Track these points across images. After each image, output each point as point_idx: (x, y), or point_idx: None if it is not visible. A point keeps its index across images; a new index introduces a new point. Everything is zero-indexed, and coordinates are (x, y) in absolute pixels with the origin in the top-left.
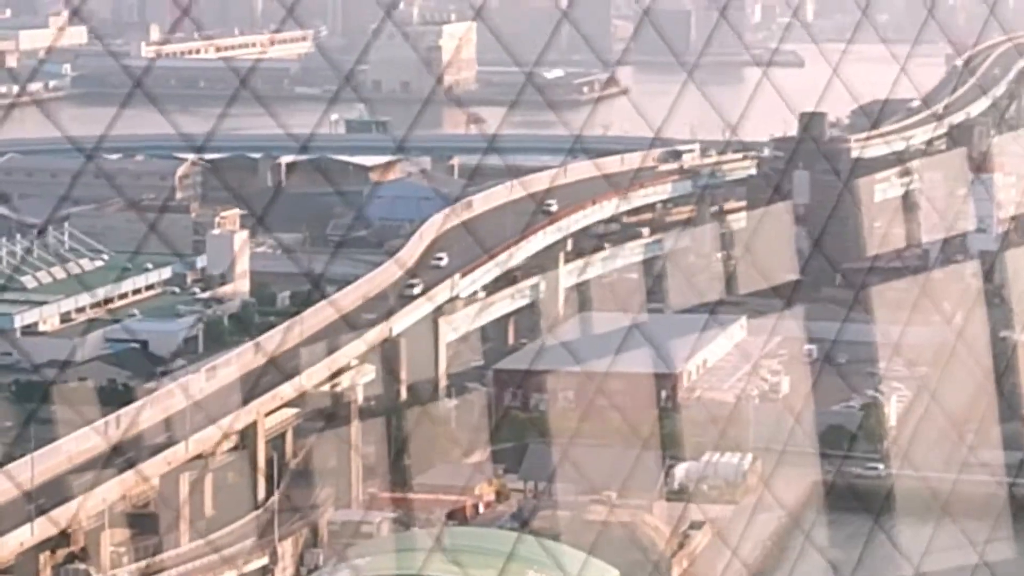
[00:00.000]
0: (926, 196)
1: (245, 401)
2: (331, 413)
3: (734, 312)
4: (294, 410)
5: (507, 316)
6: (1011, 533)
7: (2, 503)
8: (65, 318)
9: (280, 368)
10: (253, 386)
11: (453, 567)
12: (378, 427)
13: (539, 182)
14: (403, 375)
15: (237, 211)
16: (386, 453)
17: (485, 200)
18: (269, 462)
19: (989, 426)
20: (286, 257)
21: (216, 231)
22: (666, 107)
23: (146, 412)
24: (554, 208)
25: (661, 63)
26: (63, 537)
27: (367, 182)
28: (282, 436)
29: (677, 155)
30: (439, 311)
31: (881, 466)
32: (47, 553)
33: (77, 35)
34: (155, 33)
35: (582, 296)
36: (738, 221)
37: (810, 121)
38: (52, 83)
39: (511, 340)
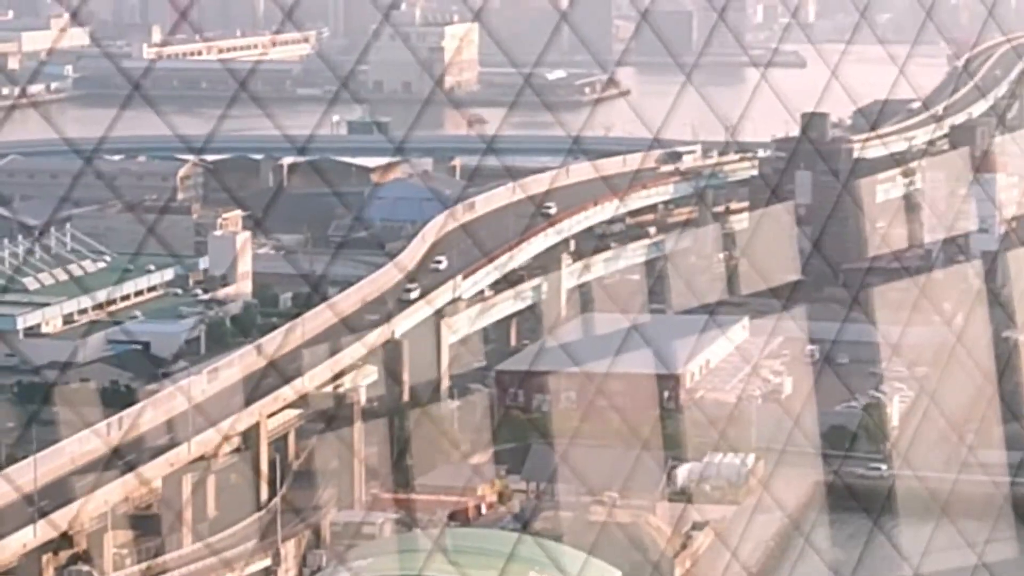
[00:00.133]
0: (928, 196)
1: (247, 403)
2: (333, 414)
3: (736, 313)
4: (296, 411)
5: (509, 317)
6: (1013, 533)
7: (4, 505)
8: (67, 320)
9: (282, 370)
10: (255, 387)
11: (455, 568)
12: (380, 428)
13: (540, 183)
14: (405, 376)
15: (239, 212)
16: (388, 454)
17: (487, 201)
18: (271, 464)
19: (992, 426)
20: (286, 259)
21: (218, 232)
22: (668, 108)
23: (148, 414)
24: (553, 211)
25: (663, 64)
26: (65, 539)
27: (368, 183)
28: (284, 437)
29: (677, 156)
30: (441, 312)
31: (884, 466)
32: (49, 555)
33: (79, 37)
34: (156, 35)
35: (584, 297)
36: (740, 222)
37: (811, 121)
38: (54, 85)
39: (513, 341)
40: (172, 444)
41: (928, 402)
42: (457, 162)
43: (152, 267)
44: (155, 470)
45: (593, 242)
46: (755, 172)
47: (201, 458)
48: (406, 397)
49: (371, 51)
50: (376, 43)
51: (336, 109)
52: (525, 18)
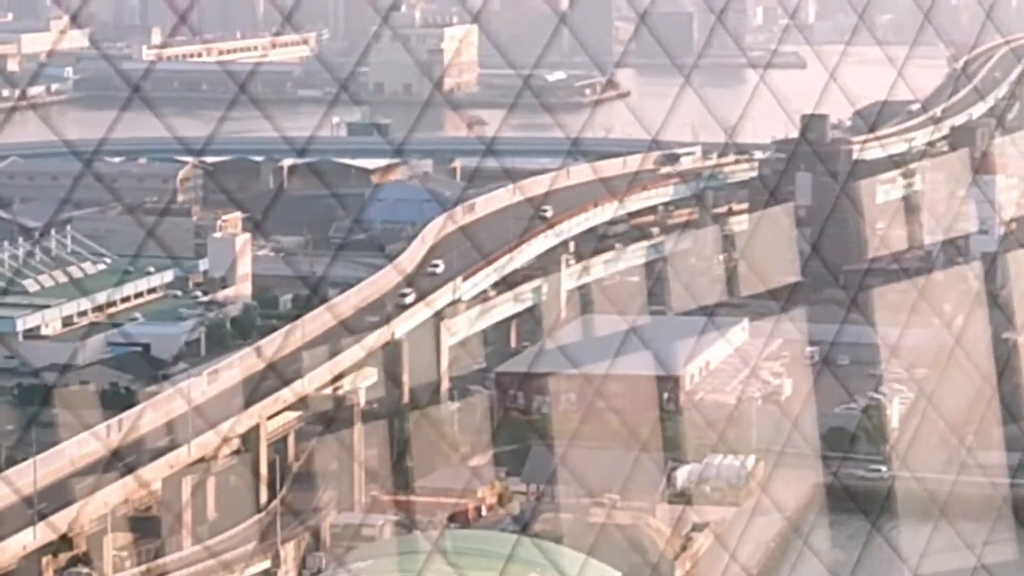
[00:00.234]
0: (927, 198)
1: (247, 405)
2: (333, 416)
3: (736, 314)
4: (296, 413)
5: (509, 319)
6: (1013, 535)
7: (4, 507)
8: (67, 322)
9: (282, 371)
10: (255, 389)
11: (454, 570)
12: (380, 430)
13: (540, 185)
14: (405, 378)
15: (239, 214)
16: (388, 456)
17: (487, 203)
18: (271, 466)
19: (991, 428)
20: (286, 260)
21: (218, 234)
22: (667, 110)
23: (148, 416)
24: (550, 214)
25: (663, 65)
26: (65, 541)
27: (368, 185)
28: (284, 440)
29: (675, 158)
30: (441, 314)
31: (883, 468)
32: (49, 557)
33: (78, 39)
34: (156, 36)
35: (584, 299)
36: (739, 223)
37: (811, 123)
38: (54, 87)
39: (513, 343)
40: (172, 446)
41: (927, 404)
42: (457, 164)
43: (152, 269)
44: (155, 472)
45: (593, 244)
46: (754, 174)
47: (201, 460)
48: (406, 399)
49: (371, 53)
50: (376, 45)
51: (336, 111)
52: (524, 20)
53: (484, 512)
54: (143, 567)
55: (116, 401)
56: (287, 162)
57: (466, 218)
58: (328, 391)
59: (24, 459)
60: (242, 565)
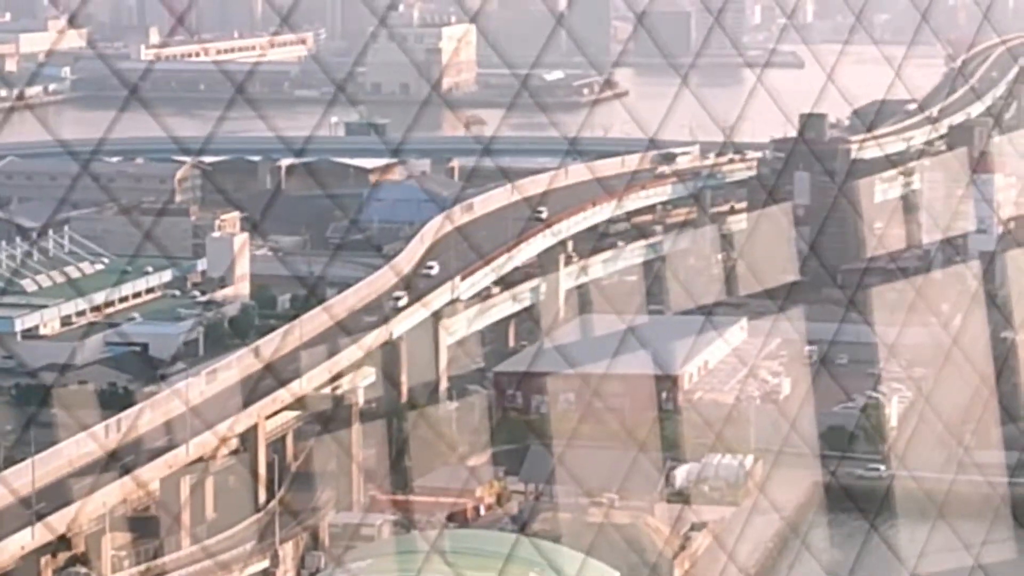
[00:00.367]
0: (926, 197)
1: (245, 404)
2: (331, 416)
3: (734, 314)
4: (294, 413)
5: (507, 318)
6: (1011, 534)
7: (3, 507)
8: (65, 322)
9: (280, 371)
10: (253, 389)
11: (453, 570)
12: (378, 430)
13: (539, 184)
14: (403, 378)
15: (237, 214)
16: (386, 456)
17: (485, 203)
18: (269, 465)
19: (989, 427)
20: (284, 260)
21: (216, 234)
22: (665, 109)
23: (146, 416)
24: (545, 215)
25: (661, 65)
26: (64, 541)
27: (367, 185)
28: (282, 439)
29: (671, 158)
30: (439, 314)
31: (882, 467)
32: (48, 557)
33: (76, 39)
34: (154, 36)
35: (582, 298)
36: (738, 223)
37: (809, 122)
38: (51, 87)
39: (511, 342)
40: (170, 446)
41: (926, 403)
42: (455, 163)
43: (150, 269)
44: (153, 472)
45: (591, 243)
46: (753, 173)
47: (199, 460)
48: (404, 399)
49: (369, 53)
50: (374, 45)
51: (334, 111)
52: (522, 19)
53: (482, 512)
54: (141, 567)
55: (114, 401)
56: (285, 162)
57: (464, 218)
58: (326, 391)
59: (22, 459)
60: (240, 565)
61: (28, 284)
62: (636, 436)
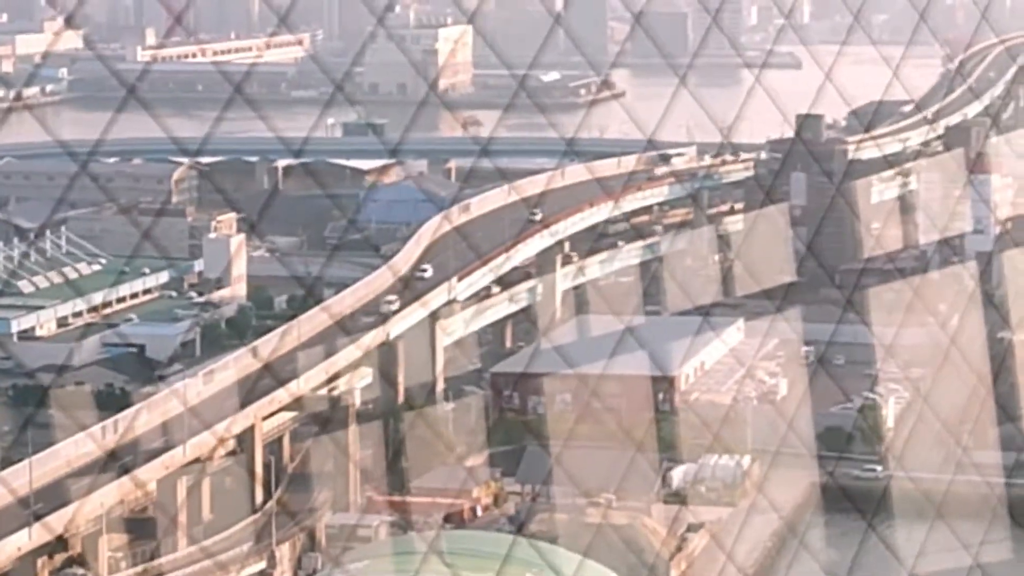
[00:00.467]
0: (923, 198)
1: (242, 405)
2: (328, 417)
3: (731, 314)
4: (291, 414)
5: (504, 319)
6: (1009, 534)
7: (0, 508)
8: (62, 323)
9: (277, 372)
10: (250, 390)
11: (451, 570)
12: (375, 431)
13: (535, 185)
14: (400, 378)
15: (234, 215)
16: (383, 456)
17: (482, 203)
18: (266, 466)
19: (986, 427)
20: (282, 261)
21: (213, 235)
22: (662, 110)
23: (143, 417)
24: (539, 217)
25: (658, 66)
26: (61, 542)
27: (364, 185)
28: (279, 440)
29: (666, 159)
30: (436, 315)
31: (879, 468)
32: (45, 558)
33: (73, 39)
34: (151, 37)
35: (579, 299)
36: (735, 223)
37: (806, 123)
38: (48, 87)
39: (508, 343)
40: (167, 447)
41: (923, 403)
42: (452, 164)
43: (147, 270)
44: (150, 473)
45: (588, 244)
46: (750, 173)
47: (196, 461)
48: (401, 399)
49: (366, 53)
50: (371, 45)
51: (331, 111)
52: (519, 20)
53: (480, 512)
54: (138, 568)
55: (111, 402)
56: (282, 163)
57: (461, 218)
58: (323, 392)
59: (19, 460)
60: (237, 566)
61: (25, 285)
62: (633, 437)
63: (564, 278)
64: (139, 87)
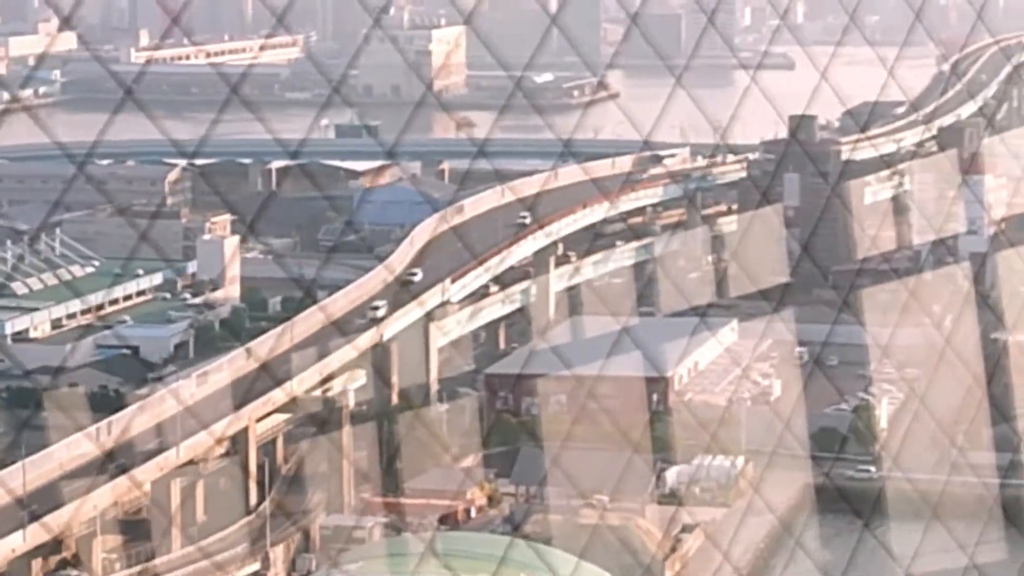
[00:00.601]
0: (917, 198)
1: (236, 407)
2: (322, 418)
3: (725, 315)
4: (285, 415)
5: (498, 320)
6: (1003, 535)
7: None
8: (56, 324)
9: (271, 374)
10: (244, 392)
11: (445, 572)
12: (369, 432)
13: (529, 186)
14: (394, 380)
15: (228, 216)
16: (378, 458)
17: (476, 205)
18: (260, 468)
19: (981, 428)
20: (276, 262)
21: (207, 237)
22: (657, 111)
23: (137, 418)
24: (528, 220)
25: (652, 66)
26: (55, 543)
27: (357, 187)
28: (273, 442)
29: (658, 160)
30: (430, 316)
31: (873, 468)
32: (39, 560)
33: (67, 41)
34: (145, 39)
35: (573, 300)
36: (729, 224)
37: (800, 124)
38: (42, 89)
39: (502, 344)
40: (161, 448)
41: (917, 404)
42: (446, 165)
43: (141, 271)
44: (144, 474)
45: (582, 245)
46: (744, 174)
47: (190, 462)
48: (395, 400)
49: (360, 55)
50: (365, 47)
51: (324, 113)
52: (512, 21)
53: (474, 514)
54: (133, 569)
55: (105, 404)
56: (276, 164)
57: (455, 220)
58: (317, 393)
59: (14, 462)
60: (232, 567)
61: (19, 287)
62: (627, 438)
63: (558, 279)
64: (133, 89)
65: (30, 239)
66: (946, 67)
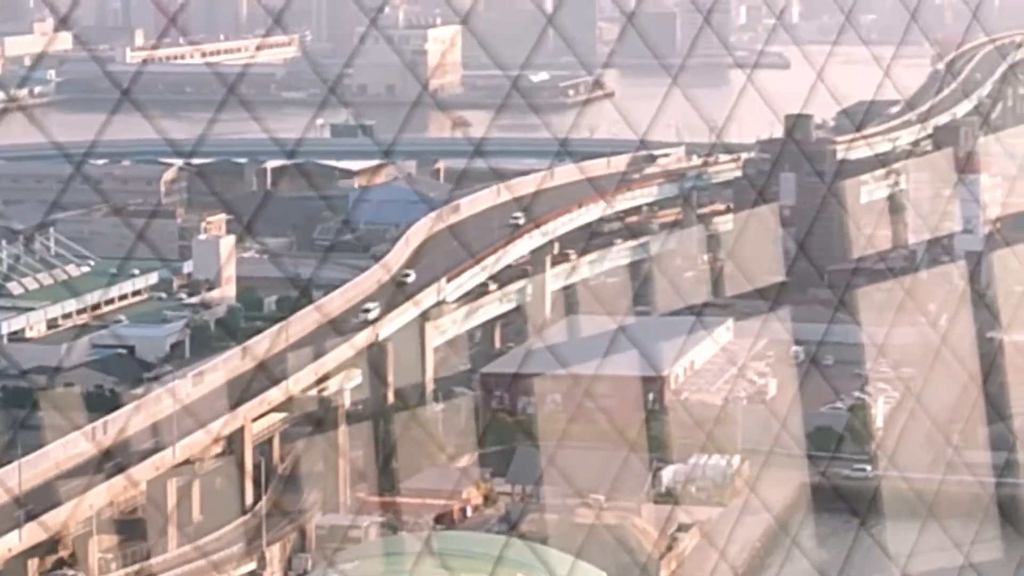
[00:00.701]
0: (912, 197)
1: (232, 406)
2: (318, 418)
3: (721, 314)
4: (281, 415)
5: (494, 320)
6: (999, 533)
7: None
8: (52, 324)
9: (267, 373)
10: (240, 391)
11: (441, 571)
12: (365, 431)
13: (525, 185)
14: (390, 379)
15: (223, 216)
16: (374, 457)
17: (471, 204)
18: (256, 467)
19: (977, 427)
20: (272, 262)
21: (202, 236)
22: (652, 110)
23: (133, 418)
24: (522, 221)
25: (647, 66)
26: (51, 543)
27: (353, 186)
28: (269, 441)
29: (652, 159)
30: (426, 315)
31: (869, 467)
32: (36, 559)
33: (62, 41)
34: (140, 39)
35: (569, 299)
36: (724, 224)
37: (796, 123)
38: (38, 89)
39: (498, 344)
40: (157, 448)
41: (913, 403)
42: (441, 165)
43: (137, 271)
44: (140, 474)
45: (578, 244)
46: (739, 174)
47: (186, 462)
48: (391, 400)
49: (356, 54)
50: (361, 46)
51: (320, 112)
52: (508, 20)
53: (470, 513)
54: (129, 569)
55: (101, 403)
56: (272, 164)
57: (450, 219)
58: (313, 392)
59: (10, 461)
60: (228, 567)
61: (15, 287)
62: (623, 437)
63: (554, 278)
64: (129, 89)
65: (26, 239)
66: (941, 66)
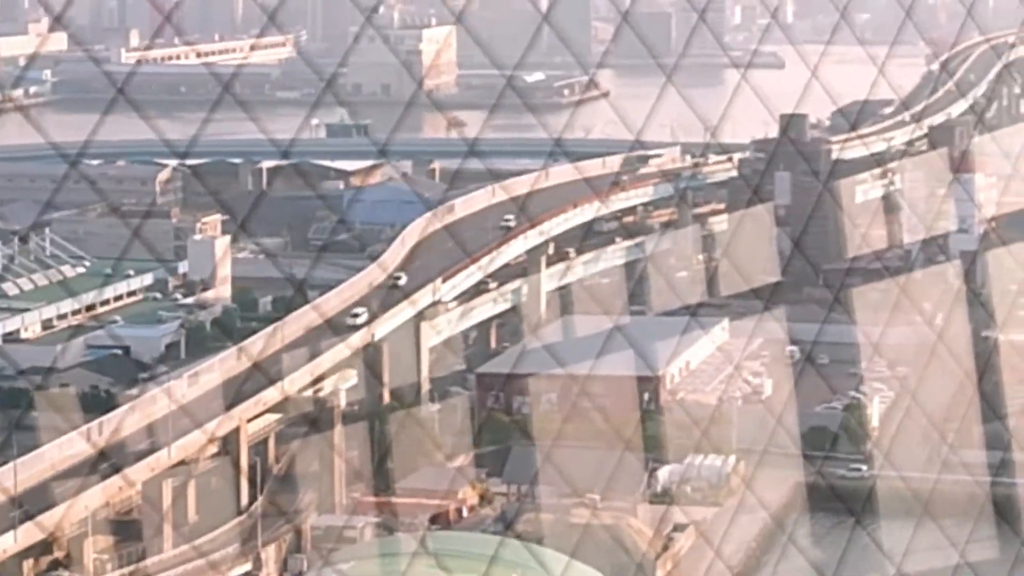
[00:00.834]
0: (907, 197)
1: (228, 407)
2: (314, 418)
3: (716, 314)
4: (276, 415)
5: (489, 320)
6: (994, 532)
7: None
8: (47, 325)
9: (263, 373)
10: (236, 392)
11: (437, 571)
12: (361, 431)
13: (520, 185)
14: (385, 379)
15: (218, 216)
16: (369, 457)
17: (467, 204)
18: (252, 467)
19: (972, 426)
20: (268, 262)
21: (198, 236)
22: (647, 110)
23: (129, 418)
24: (513, 223)
25: (642, 65)
26: (47, 544)
27: (348, 186)
28: (265, 441)
29: (645, 160)
30: (421, 315)
31: (864, 467)
32: (31, 560)
33: (57, 41)
34: (135, 39)
35: (564, 299)
36: (719, 223)
37: (791, 122)
38: (32, 89)
39: (493, 344)
40: (153, 448)
41: (908, 402)
42: (436, 165)
43: (132, 271)
44: (136, 475)
45: (573, 244)
46: (734, 173)
47: (182, 462)
48: (387, 400)
49: (350, 54)
50: (355, 46)
51: (315, 112)
52: (503, 20)
53: (466, 513)
54: (124, 570)
55: (96, 404)
56: (267, 164)
57: (446, 219)
58: (309, 393)
59: (5, 462)
60: (224, 567)
61: (9, 287)
62: (618, 437)
63: (549, 278)
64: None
65: (20, 239)
66: (936, 66)
